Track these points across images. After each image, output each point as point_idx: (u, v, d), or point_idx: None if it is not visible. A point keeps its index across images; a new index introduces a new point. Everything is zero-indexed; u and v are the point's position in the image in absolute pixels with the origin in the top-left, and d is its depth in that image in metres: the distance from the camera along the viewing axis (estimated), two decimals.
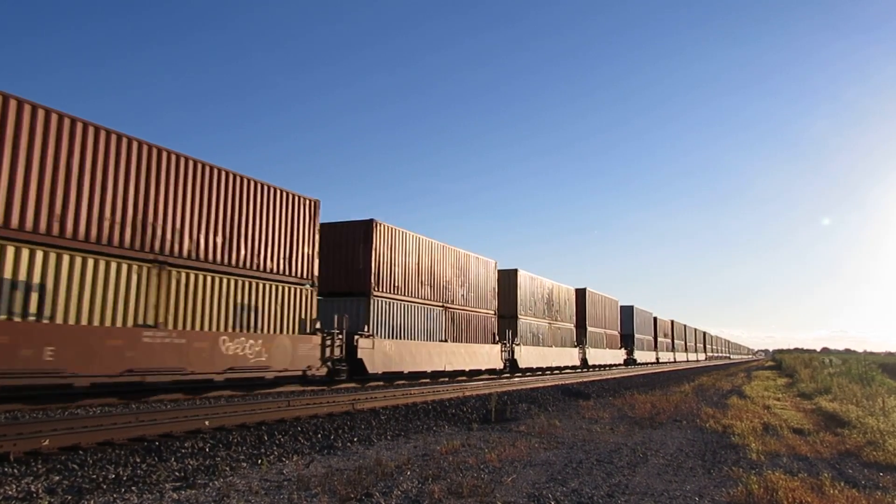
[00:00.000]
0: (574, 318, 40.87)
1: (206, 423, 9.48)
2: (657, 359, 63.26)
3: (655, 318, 65.24)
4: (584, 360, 40.65)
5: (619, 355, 49.67)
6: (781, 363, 61.46)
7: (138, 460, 7.02)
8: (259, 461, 7.21)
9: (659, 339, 65.70)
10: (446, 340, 24.40)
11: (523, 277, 33.53)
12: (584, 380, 26.77)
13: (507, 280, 32.64)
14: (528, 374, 32.04)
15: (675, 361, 72.67)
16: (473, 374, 27.37)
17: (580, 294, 43.07)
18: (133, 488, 5.74)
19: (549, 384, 22.67)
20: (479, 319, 27.78)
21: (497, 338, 29.13)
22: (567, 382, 24.19)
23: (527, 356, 31.94)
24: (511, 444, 8.74)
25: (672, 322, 75.55)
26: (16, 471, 6.28)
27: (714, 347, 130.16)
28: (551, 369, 35.86)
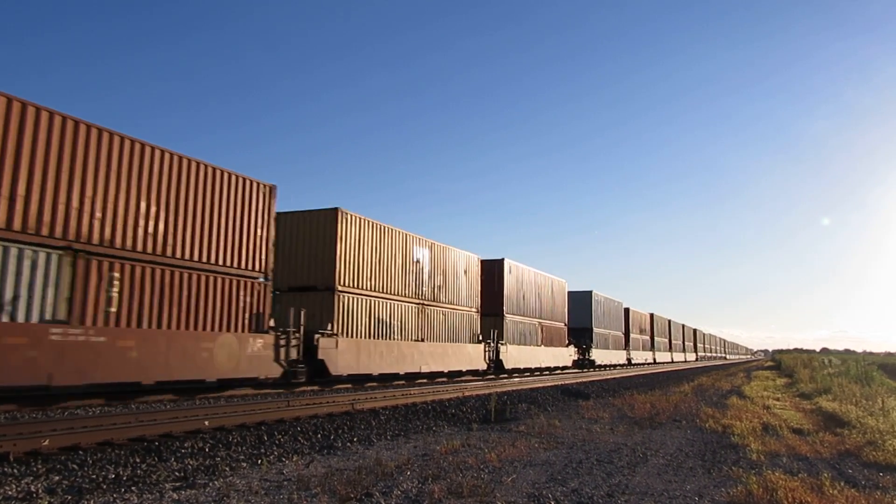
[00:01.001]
0: (479, 300, 27.81)
1: (206, 423, 9.47)
2: (629, 359, 52.43)
3: (628, 310, 54.24)
4: (496, 362, 28.26)
5: (563, 355, 37.05)
6: (781, 363, 61.44)
7: (138, 460, 7.02)
8: (259, 461, 7.21)
9: (632, 336, 54.54)
10: None
11: (351, 224, 19.87)
12: (584, 380, 26.77)
13: (319, 230, 19.37)
14: (361, 387, 19.35)
15: (654, 363, 61.52)
16: None
17: (492, 268, 30.09)
18: (133, 488, 5.74)
19: (549, 384, 22.71)
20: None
21: (266, 325, 16.32)
22: (567, 383, 24.22)
23: (350, 355, 18.60)
24: (511, 444, 8.74)
25: (652, 316, 64.44)
26: (16, 471, 6.27)
27: (707, 347, 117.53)
28: (422, 376, 23.25)
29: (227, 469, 6.73)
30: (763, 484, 6.39)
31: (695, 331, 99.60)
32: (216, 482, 6.08)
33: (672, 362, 71.35)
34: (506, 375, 28.91)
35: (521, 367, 31.08)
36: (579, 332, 41.75)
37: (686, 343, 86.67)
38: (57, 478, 6.06)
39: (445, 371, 23.99)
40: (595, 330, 43.70)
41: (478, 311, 27.74)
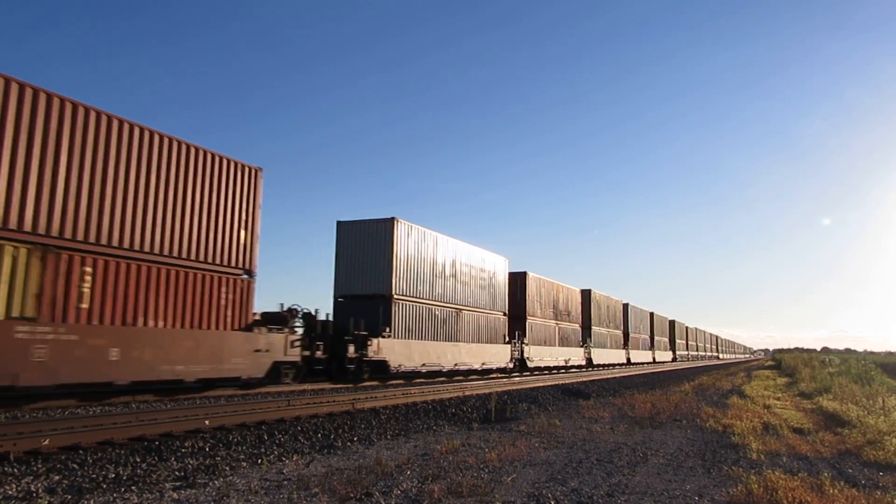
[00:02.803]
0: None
1: (206, 422, 9.48)
2: (522, 359, 31.18)
3: (524, 276, 33.11)
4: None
5: (237, 350, 14.83)
6: (781, 363, 61.46)
7: (138, 460, 7.02)
8: (259, 461, 7.21)
9: (532, 322, 33.24)
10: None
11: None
12: (584, 380, 26.76)
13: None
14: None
15: (590, 366, 40.81)
16: None
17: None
18: (133, 488, 5.75)
19: (549, 384, 22.69)
20: None
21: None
22: (567, 382, 24.21)
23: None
24: (511, 444, 8.74)
25: (587, 293, 42.46)
26: (16, 470, 6.28)
27: (692, 344, 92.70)
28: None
29: (228, 468, 6.73)
30: (763, 483, 6.39)
31: (672, 322, 75.56)
32: (216, 482, 6.08)
33: (629, 363, 49.35)
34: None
35: (142, 379, 12.72)
36: (364, 302, 21.11)
37: (657, 338, 64.01)
38: (57, 477, 6.07)
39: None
40: (397, 299, 21.44)
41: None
